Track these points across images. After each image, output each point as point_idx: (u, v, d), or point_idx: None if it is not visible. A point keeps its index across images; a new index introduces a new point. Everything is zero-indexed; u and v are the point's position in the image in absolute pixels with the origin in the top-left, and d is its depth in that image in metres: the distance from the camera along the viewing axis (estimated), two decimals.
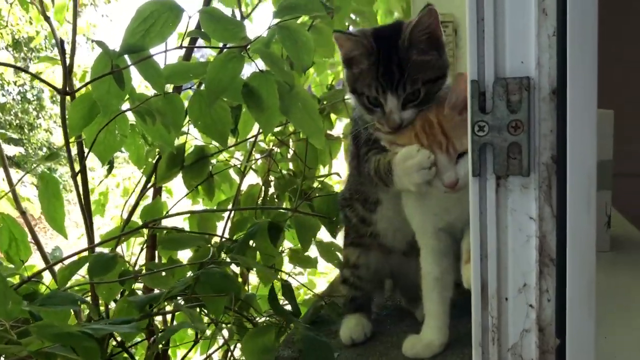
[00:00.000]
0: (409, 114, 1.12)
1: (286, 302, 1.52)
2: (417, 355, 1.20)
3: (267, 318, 1.43)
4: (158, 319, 1.94)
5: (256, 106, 1.44)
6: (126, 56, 1.27)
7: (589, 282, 0.69)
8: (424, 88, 1.12)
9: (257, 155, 2.29)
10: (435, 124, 1.06)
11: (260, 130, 2.18)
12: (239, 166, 2.21)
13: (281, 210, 1.77)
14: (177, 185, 2.26)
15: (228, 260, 1.56)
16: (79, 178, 1.63)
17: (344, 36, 1.17)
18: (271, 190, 2.25)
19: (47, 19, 1.80)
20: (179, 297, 1.37)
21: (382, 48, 1.14)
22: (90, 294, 1.61)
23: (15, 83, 10.78)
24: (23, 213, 2.03)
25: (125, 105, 1.54)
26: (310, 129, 1.42)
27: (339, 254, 1.75)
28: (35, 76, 1.39)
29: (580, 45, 0.66)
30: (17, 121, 11.15)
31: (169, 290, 1.23)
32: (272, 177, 2.26)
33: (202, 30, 1.26)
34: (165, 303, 1.39)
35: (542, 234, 0.71)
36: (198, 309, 1.40)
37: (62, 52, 1.33)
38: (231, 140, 1.98)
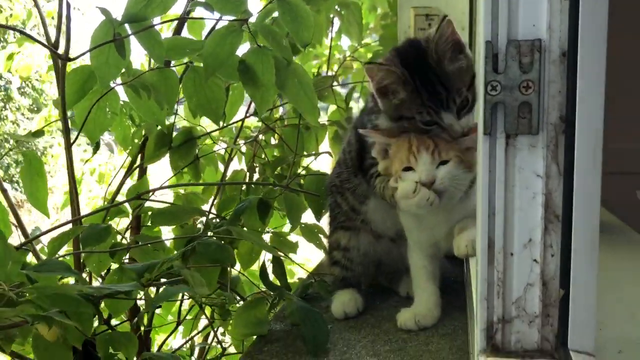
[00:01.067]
0: (466, 120, 1.18)
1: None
2: (413, 327, 1.24)
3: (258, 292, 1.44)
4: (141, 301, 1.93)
5: (252, 82, 1.45)
6: (126, 26, 1.27)
7: (593, 236, 0.73)
8: (470, 93, 1.17)
9: (242, 142, 2.30)
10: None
11: (247, 115, 2.20)
12: (224, 151, 2.21)
13: (270, 188, 1.77)
14: (159, 171, 2.26)
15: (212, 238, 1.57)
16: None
17: (376, 67, 1.21)
18: (256, 176, 2.26)
19: None
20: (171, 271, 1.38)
21: (416, 73, 1.17)
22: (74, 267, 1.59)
23: None
24: (4, 191, 2.00)
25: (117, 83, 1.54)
26: (306, 105, 1.43)
27: (321, 236, 1.78)
28: (36, 39, 1.37)
29: (591, 10, 0.70)
30: None
31: (166, 260, 1.23)
32: (256, 164, 2.27)
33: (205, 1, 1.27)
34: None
35: (548, 191, 0.75)
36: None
37: (68, 17, 1.32)
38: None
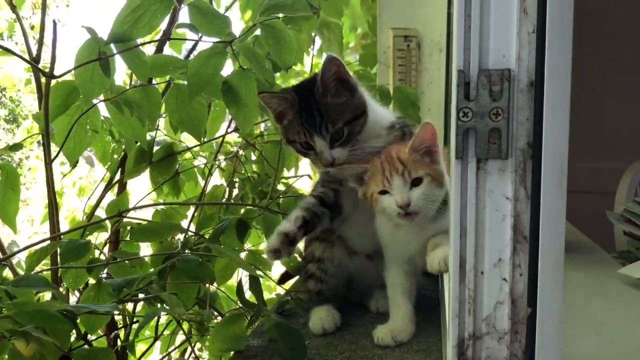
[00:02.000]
0: (339, 152, 1.29)
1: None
2: (390, 343, 1.26)
3: (237, 309, 1.46)
4: (118, 317, 1.93)
5: (235, 103, 1.48)
6: (112, 45, 1.29)
7: (558, 256, 0.76)
8: (347, 128, 1.27)
9: (222, 158, 2.32)
10: (395, 158, 1.21)
11: (228, 131, 2.23)
12: (204, 166, 2.23)
13: (249, 208, 1.80)
14: (138, 185, 2.26)
15: (192, 255, 1.58)
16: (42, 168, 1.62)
17: (269, 95, 1.32)
18: (235, 191, 2.28)
19: (13, 7, 1.78)
20: (147, 287, 1.39)
21: (302, 99, 1.28)
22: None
23: None
24: None
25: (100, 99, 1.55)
26: None
27: (297, 255, 1.81)
28: (17, 55, 1.38)
29: (558, 42, 0.74)
30: None
31: (145, 276, 1.25)
32: (236, 179, 2.29)
33: (190, 22, 1.30)
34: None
35: (517, 213, 0.78)
36: (158, 304, 1.41)
37: (54, 35, 1.33)
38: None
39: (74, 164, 1.89)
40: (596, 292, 1.33)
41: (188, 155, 2.16)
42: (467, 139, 0.78)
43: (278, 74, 2.36)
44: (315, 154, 1.30)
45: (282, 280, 1.98)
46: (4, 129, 10.43)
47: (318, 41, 2.61)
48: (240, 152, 2.32)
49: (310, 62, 2.68)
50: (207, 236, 1.70)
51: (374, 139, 1.31)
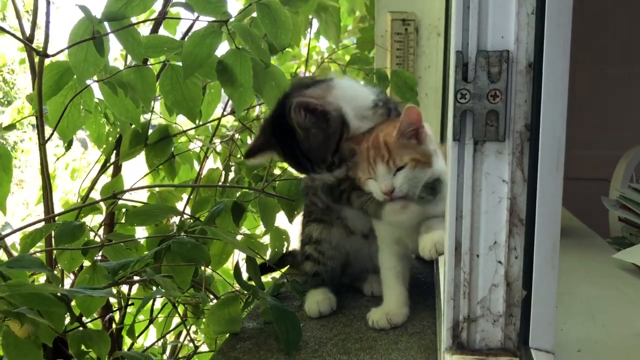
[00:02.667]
0: (338, 172, 1.30)
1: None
2: (385, 325, 1.26)
3: (232, 292, 1.46)
4: (113, 300, 1.93)
5: (230, 83, 1.46)
6: (106, 24, 1.27)
7: (554, 239, 0.76)
8: (336, 156, 1.28)
9: (218, 141, 2.31)
10: (381, 143, 1.22)
11: (224, 114, 2.22)
12: (200, 149, 2.22)
13: (245, 191, 1.79)
14: (134, 168, 2.25)
15: (187, 237, 1.58)
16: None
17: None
18: (231, 175, 2.27)
19: None
20: (143, 270, 1.38)
21: (285, 147, 1.31)
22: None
23: None
24: None
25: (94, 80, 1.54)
26: None
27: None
28: (10, 33, 1.36)
29: (557, 24, 0.73)
30: None
31: (140, 258, 1.24)
32: (232, 163, 2.28)
33: (186, 1, 1.28)
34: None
35: (513, 196, 0.78)
36: (154, 287, 1.41)
37: (47, 13, 1.31)
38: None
39: (68, 144, 1.88)
40: (591, 276, 1.33)
41: (184, 138, 2.15)
42: (464, 121, 0.78)
43: (275, 57, 2.35)
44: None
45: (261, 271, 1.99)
46: None
47: (315, 24, 2.59)
48: (237, 135, 2.31)
49: (308, 45, 2.67)
50: (202, 219, 1.70)
51: (361, 122, 1.30)
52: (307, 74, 2.63)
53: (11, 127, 1.96)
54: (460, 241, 0.80)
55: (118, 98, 1.54)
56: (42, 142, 1.49)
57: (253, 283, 1.43)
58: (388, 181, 1.20)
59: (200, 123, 2.05)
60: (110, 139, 1.98)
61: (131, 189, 1.65)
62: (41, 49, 1.41)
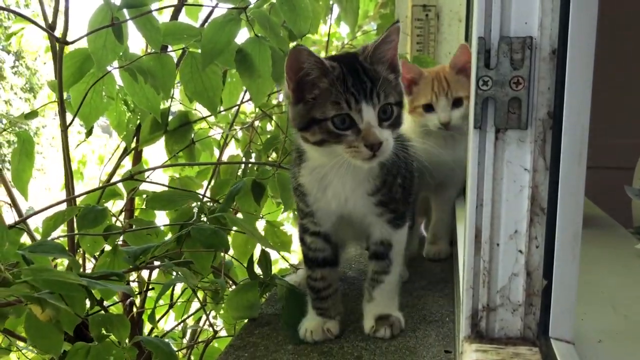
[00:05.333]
0: (387, 134, 1.03)
1: None
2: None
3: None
4: (133, 284, 1.95)
5: (249, 72, 1.46)
6: (125, 11, 1.28)
7: (576, 229, 0.75)
8: (396, 108, 1.07)
9: (238, 128, 2.31)
10: (442, 77, 1.45)
11: (244, 101, 2.21)
12: (221, 136, 2.23)
13: (263, 169, 1.79)
14: (155, 155, 2.27)
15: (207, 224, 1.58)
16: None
17: (308, 51, 1.01)
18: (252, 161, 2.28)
19: None
20: (164, 255, 1.40)
21: (344, 64, 1.04)
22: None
23: None
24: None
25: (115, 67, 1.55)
26: None
27: None
28: (32, 21, 1.37)
29: (582, 10, 0.72)
30: None
31: (161, 244, 1.25)
32: (252, 150, 2.28)
33: None
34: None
35: (535, 184, 0.77)
36: (174, 273, 1.42)
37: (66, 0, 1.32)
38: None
39: (89, 130, 1.90)
40: (612, 267, 1.32)
41: (204, 125, 2.16)
42: (486, 108, 0.77)
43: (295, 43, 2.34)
44: (355, 135, 1.01)
45: None
46: (20, 98, 10.51)
47: (336, 9, 2.58)
48: (257, 122, 2.31)
49: (328, 31, 2.65)
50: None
51: None
52: None
53: (33, 114, 1.98)
54: (481, 229, 0.79)
55: (138, 86, 1.55)
56: (64, 129, 1.50)
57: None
58: (447, 112, 1.43)
59: (221, 110, 2.06)
60: (130, 125, 1.99)
61: (149, 169, 1.67)
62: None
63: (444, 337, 1.15)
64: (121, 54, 1.44)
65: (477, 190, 0.79)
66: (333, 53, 2.67)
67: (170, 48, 1.63)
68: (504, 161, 0.78)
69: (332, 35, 2.92)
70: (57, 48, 1.45)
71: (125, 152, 2.03)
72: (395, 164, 1.15)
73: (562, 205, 0.75)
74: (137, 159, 2.06)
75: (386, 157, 1.04)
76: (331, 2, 2.49)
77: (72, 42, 1.34)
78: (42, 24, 1.54)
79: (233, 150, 2.36)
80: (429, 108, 1.45)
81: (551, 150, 0.76)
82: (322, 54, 2.79)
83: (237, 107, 2.18)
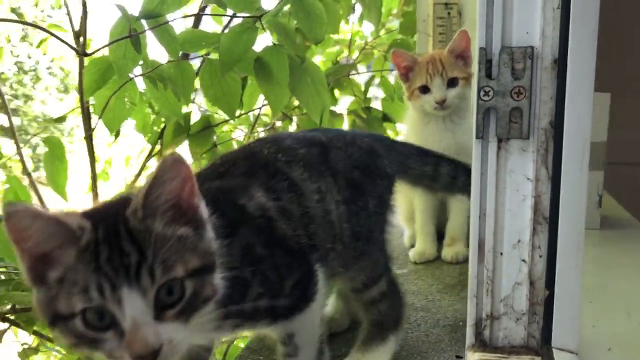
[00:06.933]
0: (172, 331, 0.66)
1: None
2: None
3: None
4: None
5: (266, 81, 1.49)
6: (143, 21, 1.31)
7: (578, 238, 0.75)
8: (191, 283, 0.67)
9: (260, 130, 2.34)
10: (437, 60, 1.48)
11: (265, 103, 2.24)
12: (244, 138, 2.26)
13: None
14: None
15: None
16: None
17: (25, 214, 0.63)
18: None
19: None
20: None
21: (102, 222, 0.66)
22: None
23: (11, 53, 10.75)
24: (29, 174, 2.09)
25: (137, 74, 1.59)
26: (315, 105, 1.47)
27: None
28: (53, 34, 1.42)
29: (583, 18, 0.71)
30: (13, 92, 11.11)
31: None
32: None
33: None
34: None
35: (538, 194, 0.77)
36: None
37: (84, 13, 1.37)
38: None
39: (115, 135, 1.95)
40: (631, 271, 1.30)
41: (227, 127, 2.19)
42: (488, 118, 0.77)
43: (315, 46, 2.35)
44: (117, 339, 0.62)
45: None
46: (55, 98, 10.76)
47: (358, 8, 2.58)
48: (278, 123, 2.34)
49: (351, 30, 2.66)
50: None
51: None
52: (350, 61, 2.62)
53: (62, 119, 2.05)
54: (484, 239, 0.80)
55: (159, 91, 1.58)
56: (88, 135, 1.55)
57: None
58: (442, 92, 1.45)
59: (242, 113, 2.09)
60: (155, 128, 2.04)
61: None
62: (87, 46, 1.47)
63: (456, 341, 1.15)
64: (142, 62, 1.48)
65: (480, 200, 0.79)
66: (356, 54, 2.66)
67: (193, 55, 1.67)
68: (507, 171, 0.78)
69: (354, 33, 2.92)
70: (79, 59, 1.49)
71: (150, 155, 2.08)
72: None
73: (564, 214, 0.75)
74: None
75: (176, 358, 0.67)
76: (353, 1, 2.49)
77: (91, 54, 1.38)
78: (71, 31, 1.60)
79: None
80: (424, 89, 1.49)
81: (553, 159, 0.76)
82: (345, 53, 2.79)
83: (258, 110, 2.21)
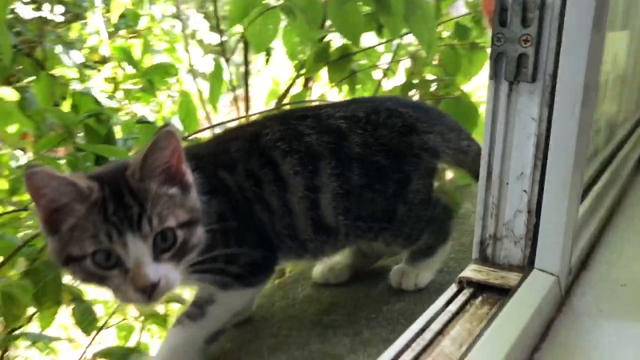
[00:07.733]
0: (167, 269, 0.84)
1: None
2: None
3: None
4: None
5: (385, 11, 1.62)
6: None
7: (565, 177, 0.83)
8: (181, 232, 0.86)
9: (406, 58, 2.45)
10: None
11: (406, 32, 2.34)
12: (389, 66, 2.39)
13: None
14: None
15: None
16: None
17: (42, 175, 0.80)
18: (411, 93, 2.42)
19: None
20: None
21: (107, 183, 0.84)
22: None
23: None
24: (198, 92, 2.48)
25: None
26: (425, 37, 1.57)
27: None
28: None
29: None
30: None
31: None
32: (415, 80, 2.41)
33: None
34: None
35: (540, 133, 0.85)
36: None
37: None
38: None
39: (266, 59, 2.23)
40: None
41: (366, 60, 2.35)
42: (500, 62, 0.86)
43: None
44: (122, 275, 0.85)
45: None
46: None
47: None
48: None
49: None
50: None
51: None
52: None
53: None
54: (492, 170, 0.90)
55: (297, 21, 1.80)
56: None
57: None
58: None
59: (381, 42, 2.23)
60: (300, 56, 2.27)
61: (307, 100, 1.93)
62: None
63: None
64: None
65: (490, 136, 0.89)
66: None
67: None
68: (516, 110, 0.87)
69: None
70: None
71: (295, 79, 2.33)
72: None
73: (552, 155, 0.83)
74: (305, 84, 2.35)
75: (169, 292, 0.85)
76: None
77: None
78: None
79: (397, 81, 2.51)
80: None
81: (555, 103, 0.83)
82: None
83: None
